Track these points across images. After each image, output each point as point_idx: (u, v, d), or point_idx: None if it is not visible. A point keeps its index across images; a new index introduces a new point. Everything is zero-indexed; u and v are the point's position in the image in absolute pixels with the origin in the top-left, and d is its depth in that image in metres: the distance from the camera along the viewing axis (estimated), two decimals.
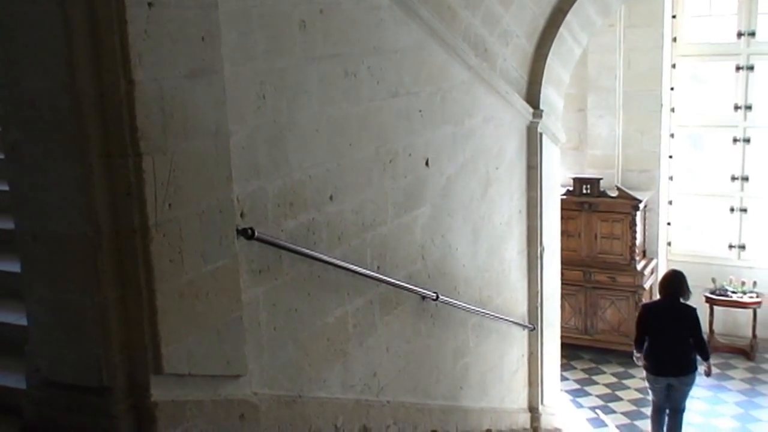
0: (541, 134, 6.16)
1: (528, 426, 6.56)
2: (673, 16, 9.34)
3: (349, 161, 3.69)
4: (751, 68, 9.14)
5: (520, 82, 5.91)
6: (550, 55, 6.01)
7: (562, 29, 5.99)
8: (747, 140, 9.31)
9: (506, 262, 5.94)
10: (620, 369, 8.91)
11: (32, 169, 2.41)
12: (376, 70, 3.84)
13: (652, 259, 9.38)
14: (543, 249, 6.44)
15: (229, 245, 2.75)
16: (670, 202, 9.79)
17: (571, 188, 8.92)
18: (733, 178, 9.44)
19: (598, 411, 8.11)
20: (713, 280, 9.10)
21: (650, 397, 6.93)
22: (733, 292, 8.99)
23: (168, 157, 2.45)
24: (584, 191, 8.91)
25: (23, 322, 2.68)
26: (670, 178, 9.74)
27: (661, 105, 9.30)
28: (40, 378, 2.59)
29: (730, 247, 9.53)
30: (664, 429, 6.74)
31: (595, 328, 9.15)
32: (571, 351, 8.89)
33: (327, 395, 3.63)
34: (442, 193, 4.71)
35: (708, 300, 8.96)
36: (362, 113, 3.77)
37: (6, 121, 2.42)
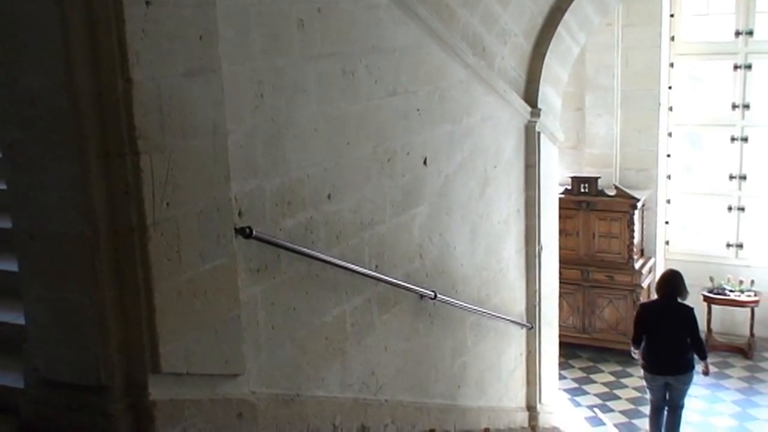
0: (539, 133, 6.16)
1: (526, 425, 6.56)
2: (671, 15, 9.34)
3: (348, 160, 3.69)
4: (749, 67, 9.15)
5: (518, 81, 5.92)
6: (548, 54, 6.01)
7: (560, 28, 5.99)
8: (745, 139, 9.32)
9: (504, 261, 5.94)
10: (618, 368, 8.91)
11: (30, 168, 2.40)
12: (374, 69, 3.84)
13: (650, 257, 9.39)
14: (541, 248, 6.45)
15: (227, 244, 2.75)
16: (668, 201, 9.79)
17: (569, 187, 8.92)
18: (731, 177, 9.44)
19: (596, 410, 8.12)
20: (711, 279, 9.11)
21: (648, 396, 6.94)
22: (731, 291, 9.00)
23: (166, 156, 2.45)
24: (582, 190, 8.92)
25: (21, 321, 2.68)
26: (668, 177, 9.75)
27: (659, 104, 9.30)
28: (37, 377, 2.59)
29: (728, 245, 9.54)
30: (663, 426, 6.75)
31: (593, 327, 9.16)
32: (569, 350, 8.89)
33: (325, 394, 3.63)
34: (440, 192, 4.71)
35: (706, 299, 8.97)
36: (360, 112, 3.77)
37: (4, 120, 2.42)
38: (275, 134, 3.17)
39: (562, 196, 8.31)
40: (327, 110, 3.50)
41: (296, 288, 3.37)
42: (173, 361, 2.54)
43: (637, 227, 8.92)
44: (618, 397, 8.34)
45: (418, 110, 4.33)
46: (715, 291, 9.04)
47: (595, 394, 8.43)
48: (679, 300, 6.43)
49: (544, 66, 6.02)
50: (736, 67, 9.21)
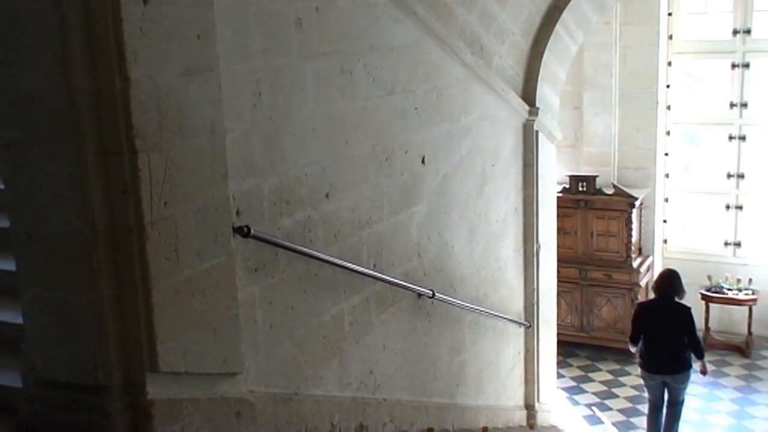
0: (537, 132, 6.16)
1: (524, 423, 6.57)
2: (669, 14, 9.35)
3: (345, 159, 3.69)
4: (746, 66, 9.15)
5: (516, 80, 5.92)
6: (546, 52, 6.01)
7: (558, 27, 5.99)
8: (742, 137, 9.32)
9: (502, 259, 5.94)
10: (616, 366, 8.92)
11: (28, 167, 2.40)
12: (372, 67, 3.84)
13: (648, 256, 9.40)
14: (539, 246, 6.45)
15: (225, 243, 2.75)
16: (666, 200, 9.80)
17: (567, 186, 8.92)
18: (729, 176, 9.45)
19: (594, 408, 8.12)
20: (709, 278, 9.11)
21: (646, 395, 6.95)
22: (729, 290, 9.00)
23: (164, 155, 2.45)
24: (580, 189, 8.92)
25: (19, 320, 2.67)
26: (666, 176, 9.75)
27: (657, 102, 9.31)
28: (35, 376, 2.59)
29: (726, 244, 9.55)
30: (661, 426, 6.76)
31: (591, 326, 9.16)
32: (567, 348, 8.90)
33: (323, 393, 3.63)
34: (439, 191, 4.71)
35: (704, 297, 8.97)
36: (358, 111, 3.77)
37: (1, 120, 2.42)
38: (273, 133, 3.16)
39: (560, 194, 8.31)
40: (325, 109, 3.50)
41: (294, 287, 3.37)
42: (171, 360, 2.54)
43: (635, 226, 8.92)
44: (616, 396, 8.35)
45: (416, 109, 4.33)
46: (713, 289, 9.04)
47: (594, 393, 8.43)
48: (677, 299, 6.44)
49: (542, 65, 6.02)
50: (733, 66, 9.21)
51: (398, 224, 4.24)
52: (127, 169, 2.36)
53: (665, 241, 9.89)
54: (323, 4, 3.41)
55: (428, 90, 4.48)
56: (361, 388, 3.96)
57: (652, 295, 6.81)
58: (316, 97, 3.42)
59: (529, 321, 6.50)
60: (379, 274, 3.99)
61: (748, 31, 9.08)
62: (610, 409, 8.10)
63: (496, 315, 5.75)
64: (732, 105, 9.30)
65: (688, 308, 6.43)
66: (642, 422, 7.34)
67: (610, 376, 8.77)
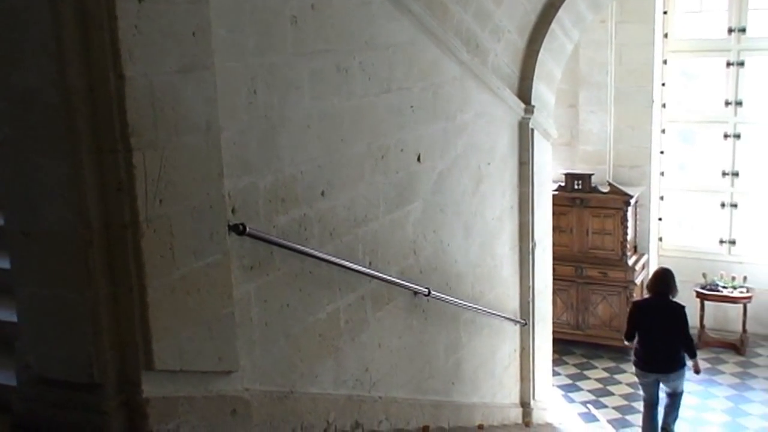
0: (532, 130, 6.17)
1: (520, 421, 6.58)
2: (665, 12, 9.36)
3: (341, 157, 3.69)
4: (741, 64, 9.18)
5: (512, 78, 5.92)
6: (541, 50, 6.01)
7: (553, 25, 6.00)
8: (737, 136, 9.34)
9: (498, 257, 5.95)
10: (612, 364, 8.94)
11: (22, 165, 2.39)
12: (367, 65, 3.84)
13: (643, 254, 9.41)
14: (535, 244, 6.46)
15: (220, 241, 2.75)
16: (662, 198, 9.82)
17: (562, 184, 8.93)
18: (724, 174, 9.48)
19: (589, 406, 8.14)
20: (704, 275, 9.14)
21: (641, 393, 6.97)
22: (724, 287, 9.03)
23: (159, 153, 2.44)
24: (576, 187, 8.93)
25: (14, 318, 2.66)
26: (662, 174, 9.77)
27: (653, 101, 9.33)
28: (30, 374, 2.58)
29: (721, 242, 9.57)
30: (658, 420, 6.79)
31: (587, 324, 9.18)
32: (562, 346, 8.91)
33: (319, 391, 3.63)
34: (434, 189, 4.71)
35: (699, 295, 9.00)
36: (354, 109, 3.77)
37: None
38: (268, 131, 3.16)
39: (556, 192, 8.32)
40: (321, 107, 3.49)
41: (290, 285, 3.37)
42: (166, 358, 2.53)
43: (630, 224, 8.94)
44: (611, 393, 8.37)
45: (411, 107, 4.33)
46: (708, 287, 9.07)
47: (589, 390, 8.45)
48: (671, 298, 6.48)
49: (537, 63, 6.02)
50: (728, 64, 9.23)
51: (394, 222, 4.24)
52: (122, 166, 2.35)
53: (660, 239, 9.91)
54: (319, 1, 3.41)
55: (424, 88, 4.48)
56: (357, 385, 3.96)
57: (647, 294, 6.84)
58: (312, 94, 3.42)
59: (525, 319, 6.51)
60: (374, 272, 3.99)
61: (743, 30, 9.10)
62: (605, 406, 8.12)
63: (491, 313, 5.75)
64: (727, 103, 9.32)
65: (683, 307, 6.46)
66: (637, 419, 7.37)
67: (605, 374, 8.78)
